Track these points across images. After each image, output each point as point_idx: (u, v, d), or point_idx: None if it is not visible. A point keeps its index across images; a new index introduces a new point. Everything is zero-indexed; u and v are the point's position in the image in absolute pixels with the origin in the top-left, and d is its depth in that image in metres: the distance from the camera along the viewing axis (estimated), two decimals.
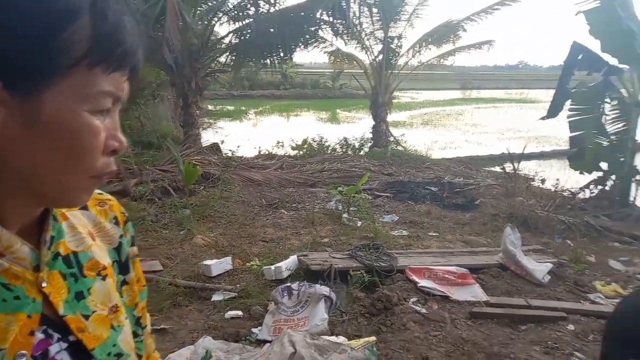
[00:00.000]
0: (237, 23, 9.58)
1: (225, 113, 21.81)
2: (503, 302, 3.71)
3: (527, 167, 9.16)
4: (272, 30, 8.96)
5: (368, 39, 11.66)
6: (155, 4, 7.24)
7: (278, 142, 11.18)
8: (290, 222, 5.77)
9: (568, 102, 6.93)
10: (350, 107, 24.66)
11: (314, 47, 11.22)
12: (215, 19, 9.54)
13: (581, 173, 7.03)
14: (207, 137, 11.94)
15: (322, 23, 9.59)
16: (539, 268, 4.20)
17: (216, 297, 3.72)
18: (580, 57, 6.74)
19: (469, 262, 4.32)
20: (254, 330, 3.24)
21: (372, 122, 12.04)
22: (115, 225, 0.73)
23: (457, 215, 6.47)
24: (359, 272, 3.87)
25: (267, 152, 10.28)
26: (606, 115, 6.88)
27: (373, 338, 3.02)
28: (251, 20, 9.42)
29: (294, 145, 10.70)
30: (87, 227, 0.67)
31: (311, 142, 10.87)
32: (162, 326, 3.26)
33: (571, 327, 3.43)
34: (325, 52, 12.39)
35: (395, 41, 11.66)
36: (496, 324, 3.44)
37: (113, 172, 0.57)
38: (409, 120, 20.28)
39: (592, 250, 5.17)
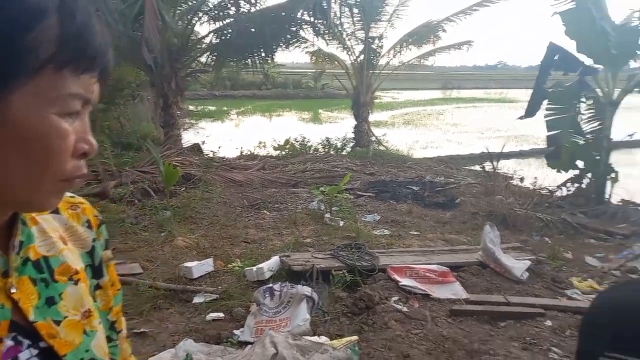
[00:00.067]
0: (217, 23, 9.52)
1: (207, 113, 21.65)
2: (483, 300, 3.77)
3: (506, 166, 9.29)
4: (253, 30, 8.93)
5: (349, 39, 11.71)
6: (134, 3, 7.15)
7: (260, 143, 11.15)
8: (273, 223, 5.75)
9: (545, 102, 7.07)
10: (332, 107, 24.71)
11: (296, 47, 11.24)
12: (196, 18, 9.47)
13: (558, 171, 7.17)
14: (188, 137, 11.84)
15: (303, 23, 9.59)
16: (518, 265, 4.28)
17: (197, 300, 3.69)
18: (556, 57, 6.89)
19: (449, 260, 4.37)
20: (236, 332, 3.22)
21: (354, 122, 12.09)
22: (88, 229, 0.72)
23: (438, 214, 6.54)
24: (341, 272, 3.89)
25: (249, 153, 10.24)
26: (582, 114, 7.04)
27: (355, 337, 3.03)
28: (232, 20, 9.37)
29: (276, 145, 10.68)
30: (58, 231, 0.66)
31: (293, 142, 10.86)
32: (142, 330, 3.22)
33: (549, 323, 3.49)
34: (306, 52, 12.41)
35: (376, 41, 11.75)
36: (476, 321, 3.49)
37: (83, 175, 0.57)
38: (390, 120, 20.41)
39: (569, 247, 5.28)
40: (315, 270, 3.91)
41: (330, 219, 5.83)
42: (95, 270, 0.71)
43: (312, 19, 9.18)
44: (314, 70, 28.71)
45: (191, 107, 21.65)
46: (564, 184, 7.21)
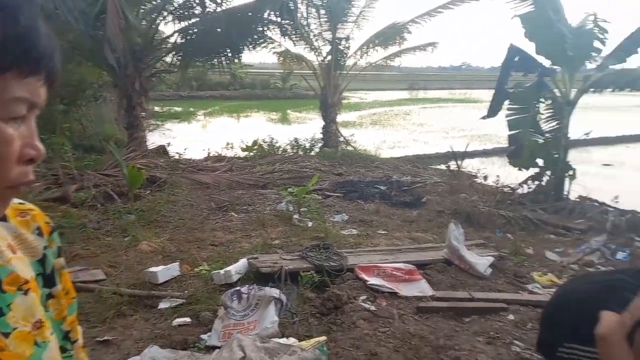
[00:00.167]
0: (182, 22, 9.38)
1: (173, 114, 21.26)
2: (448, 296, 3.85)
3: (470, 165, 9.51)
4: (219, 30, 8.83)
5: (316, 40, 11.73)
6: (95, 1, 6.94)
7: (228, 144, 11.03)
8: (241, 225, 5.71)
9: (507, 102, 7.27)
10: (300, 108, 24.69)
11: (263, 47, 11.15)
12: (160, 17, 9.29)
13: (519, 169, 7.38)
14: (154, 139, 11.58)
15: (270, 23, 9.54)
16: (481, 262, 4.39)
17: (163, 305, 3.62)
18: (516, 59, 7.09)
19: (416, 258, 4.44)
20: (203, 336, 3.18)
21: (322, 123, 12.12)
22: (39, 236, 0.70)
23: (404, 212, 6.63)
24: (310, 273, 3.89)
25: (216, 154, 10.11)
26: (541, 114, 7.26)
27: (323, 338, 3.04)
28: (197, 19, 9.25)
29: (244, 146, 10.58)
30: (6, 240, 0.64)
31: (261, 143, 10.79)
32: (105, 338, 3.13)
33: (511, 317, 3.60)
34: (274, 53, 12.35)
35: (343, 42, 11.80)
36: (442, 317, 3.56)
37: (30, 181, 0.55)
38: (358, 121, 20.56)
39: (530, 242, 5.45)
40: (283, 271, 3.91)
41: (299, 220, 5.83)
42: (47, 278, 0.69)
43: (279, 19, 9.14)
44: (282, 71, 28.62)
45: (157, 108, 21.22)
46: (525, 182, 7.43)
